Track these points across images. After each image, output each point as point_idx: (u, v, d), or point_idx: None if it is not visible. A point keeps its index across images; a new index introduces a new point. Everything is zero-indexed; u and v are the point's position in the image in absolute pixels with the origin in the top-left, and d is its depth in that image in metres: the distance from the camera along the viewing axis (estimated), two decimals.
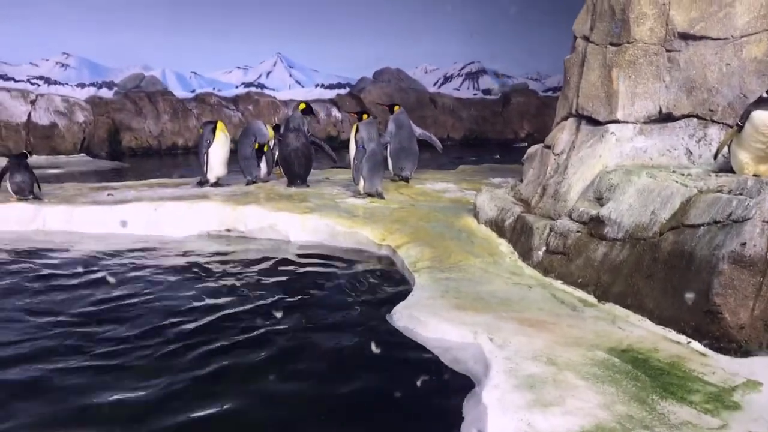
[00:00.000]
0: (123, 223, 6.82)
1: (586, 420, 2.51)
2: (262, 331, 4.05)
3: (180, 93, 24.47)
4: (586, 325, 3.63)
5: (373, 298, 4.69)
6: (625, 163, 4.63)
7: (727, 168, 4.15)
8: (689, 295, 3.32)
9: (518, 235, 5.19)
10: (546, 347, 3.26)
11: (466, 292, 4.25)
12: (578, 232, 4.45)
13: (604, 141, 4.79)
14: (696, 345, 3.28)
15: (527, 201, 5.62)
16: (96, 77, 25.03)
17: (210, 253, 6.12)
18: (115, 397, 3.17)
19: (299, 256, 5.97)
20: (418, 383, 3.22)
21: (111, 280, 5.17)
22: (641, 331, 3.52)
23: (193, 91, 25.51)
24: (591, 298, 4.10)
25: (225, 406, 3.07)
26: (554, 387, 2.80)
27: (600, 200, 4.47)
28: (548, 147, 5.51)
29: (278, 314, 4.35)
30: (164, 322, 4.19)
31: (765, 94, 3.79)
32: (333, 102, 25.35)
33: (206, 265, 5.66)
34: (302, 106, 8.62)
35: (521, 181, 6.13)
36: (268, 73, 32.41)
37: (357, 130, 7.41)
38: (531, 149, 6.22)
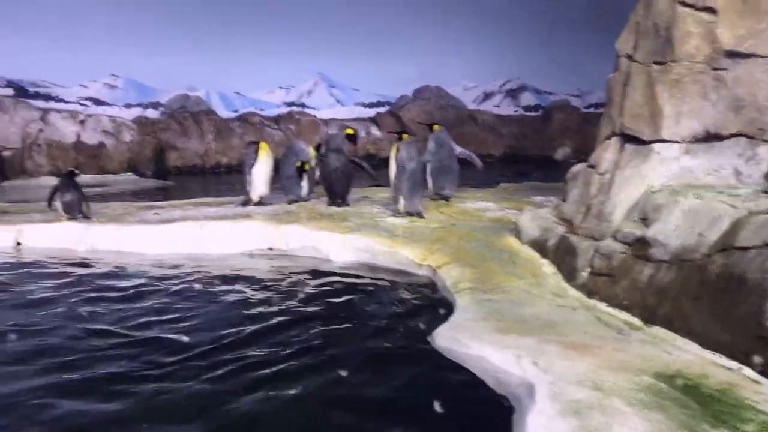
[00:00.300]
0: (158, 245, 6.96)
1: None
2: (303, 350, 4.08)
3: (224, 113, 24.95)
4: (632, 349, 3.56)
5: (414, 319, 4.68)
6: (670, 183, 4.55)
7: None
8: (740, 320, 3.24)
9: (561, 255, 5.13)
10: (591, 371, 3.20)
11: (508, 314, 4.21)
12: (623, 253, 4.38)
13: (649, 160, 4.71)
14: (748, 371, 3.18)
15: (570, 221, 5.55)
16: (143, 98, 25.67)
17: (253, 271, 6.19)
18: (162, 405, 3.26)
19: (340, 275, 6.01)
20: (461, 407, 3.20)
21: (157, 298, 5.29)
22: (689, 355, 3.44)
23: (236, 111, 25.96)
24: (637, 321, 4.02)
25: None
26: (600, 413, 2.74)
27: (645, 221, 4.40)
28: (592, 166, 5.45)
29: (319, 334, 4.39)
30: (207, 339, 4.27)
31: None
32: (372, 120, 25.54)
33: (249, 284, 5.73)
34: (350, 131, 8.73)
35: (564, 200, 6.07)
36: (309, 93, 32.82)
37: (397, 150, 7.44)
38: (574, 168, 6.14)
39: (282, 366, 3.82)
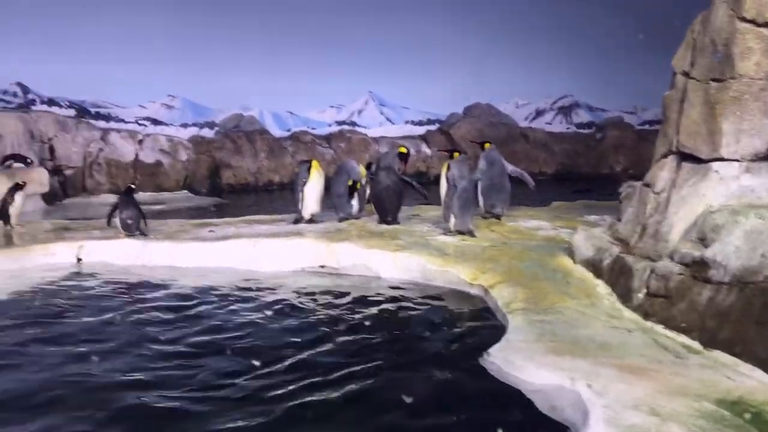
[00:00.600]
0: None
1: None
2: (354, 368, 4.10)
3: (276, 132, 25.40)
4: (691, 374, 3.46)
5: (465, 339, 4.65)
6: (730, 203, 4.42)
7: None
8: None
9: (616, 276, 5.04)
10: (648, 396, 3.13)
11: (562, 335, 4.15)
12: (681, 274, 4.27)
13: (707, 179, 4.60)
14: None
15: (626, 241, 5.44)
16: (198, 118, 26.36)
17: (305, 289, 6.25)
18: (216, 426, 3.29)
19: (391, 293, 6.01)
20: (512, 430, 3.16)
21: (212, 314, 5.40)
22: (752, 381, 3.33)
23: (288, 130, 26.41)
24: (696, 345, 3.91)
25: None
26: None
27: (704, 241, 4.28)
28: (647, 185, 5.34)
29: (369, 352, 4.41)
30: (260, 355, 4.33)
31: None
32: (422, 138, 25.58)
33: (301, 301, 5.79)
34: (402, 150, 8.78)
35: (619, 219, 5.96)
36: (360, 112, 33.15)
37: (448, 168, 7.44)
38: (629, 187, 6.04)
39: (336, 384, 3.85)
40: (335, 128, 27.05)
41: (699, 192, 4.61)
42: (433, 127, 27.38)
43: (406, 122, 30.82)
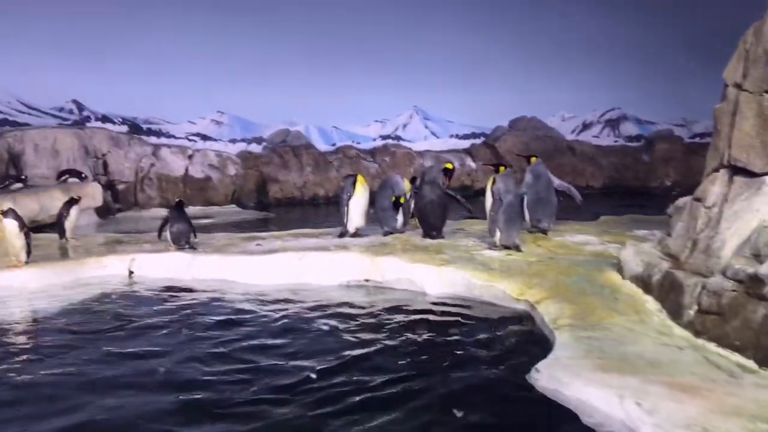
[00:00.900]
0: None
1: None
2: (398, 382, 4.11)
3: (322, 146, 25.66)
4: (746, 393, 3.36)
5: (511, 355, 4.61)
6: None
7: None
8: None
9: (666, 292, 4.93)
10: (700, 415, 3.06)
11: (610, 352, 4.08)
12: (734, 291, 4.16)
13: (761, 194, 4.48)
14: None
15: (676, 256, 5.33)
16: (246, 133, 26.83)
17: (349, 302, 6.29)
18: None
19: (435, 308, 6.00)
20: None
21: (259, 326, 5.48)
22: None
23: (333, 145, 26.66)
24: (750, 364, 3.80)
25: None
26: None
27: (758, 257, 4.17)
28: (698, 199, 5.23)
29: (415, 368, 4.41)
30: (307, 367, 4.39)
31: None
32: (467, 152, 25.49)
33: (346, 315, 5.83)
34: (449, 165, 8.78)
35: (669, 234, 5.84)
36: (405, 126, 33.27)
37: (494, 182, 7.41)
38: (679, 201, 5.91)
39: (384, 398, 3.87)
40: (380, 142, 27.19)
41: (752, 207, 4.50)
42: (478, 141, 27.28)
43: (451, 136, 30.80)
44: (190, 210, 13.48)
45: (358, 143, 26.91)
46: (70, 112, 25.93)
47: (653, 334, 4.43)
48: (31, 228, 8.04)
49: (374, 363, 4.53)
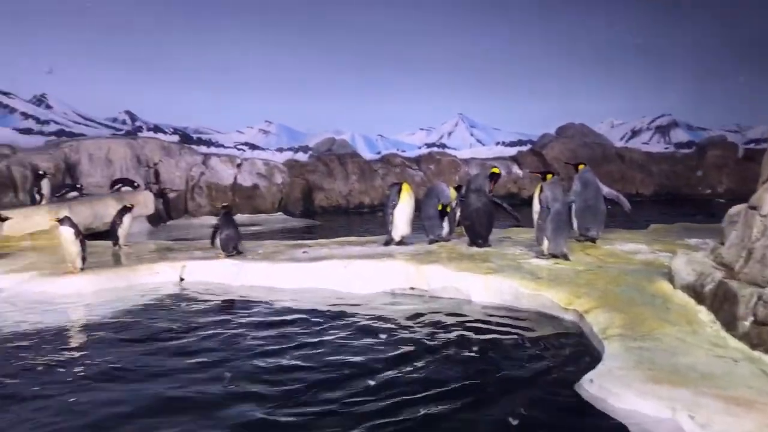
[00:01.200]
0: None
1: None
2: (447, 390, 4.10)
3: (367, 155, 25.83)
4: None
5: (559, 365, 4.55)
6: None
7: None
8: None
9: (720, 302, 4.80)
10: (756, 430, 2.96)
11: (661, 363, 3.99)
12: None
13: None
14: None
15: (730, 266, 5.19)
16: (293, 142, 27.15)
17: (395, 310, 6.30)
18: None
19: (482, 317, 5.96)
20: None
21: (306, 332, 5.53)
22: None
23: (378, 153, 26.79)
24: None
25: None
26: None
27: None
28: (753, 207, 5.08)
29: (462, 376, 4.39)
30: (350, 374, 4.44)
31: None
32: (514, 159, 25.31)
33: (392, 323, 5.84)
34: (495, 170, 8.71)
35: (722, 243, 5.69)
36: (450, 134, 33.18)
37: (541, 190, 7.34)
38: (733, 209, 5.77)
39: (434, 407, 3.87)
40: (425, 150, 27.20)
41: None
42: (524, 148, 27.06)
43: (497, 143, 30.62)
44: (239, 218, 13.71)
45: (403, 151, 26.98)
46: (123, 122, 26.68)
47: (706, 346, 4.31)
48: (85, 235, 8.29)
49: (422, 371, 4.52)
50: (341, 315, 6.17)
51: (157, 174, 19.28)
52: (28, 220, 11.00)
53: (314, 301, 6.70)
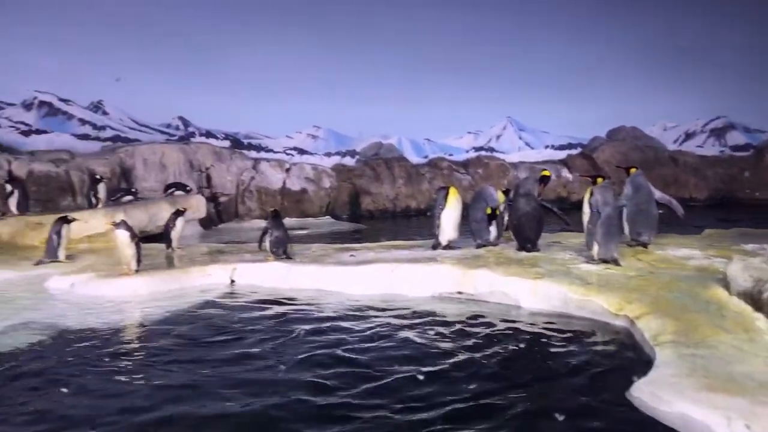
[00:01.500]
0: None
1: None
2: (495, 393, 4.09)
3: (414, 159, 25.83)
4: None
5: (609, 371, 4.49)
6: None
7: None
8: None
9: None
10: None
11: (716, 371, 3.90)
12: None
13: None
14: None
15: None
16: (340, 146, 27.40)
17: (442, 314, 6.30)
18: None
19: (530, 322, 5.92)
20: None
21: (354, 336, 5.58)
22: None
23: (426, 157, 26.77)
24: None
25: None
26: None
27: None
28: None
29: (510, 380, 4.37)
30: (396, 375, 4.46)
31: None
32: (563, 163, 24.98)
33: (439, 326, 5.84)
34: (546, 173, 8.62)
35: None
36: (498, 137, 32.97)
37: (591, 194, 7.24)
38: None
39: (479, 409, 3.88)
40: (473, 154, 27.05)
41: None
42: (574, 152, 26.66)
43: (546, 147, 30.27)
44: (287, 221, 13.88)
45: (451, 155, 26.88)
46: (177, 128, 27.33)
47: (764, 354, 4.19)
48: (140, 238, 8.52)
49: (468, 373, 4.52)
50: (388, 318, 6.19)
51: (209, 178, 19.68)
52: (86, 224, 11.34)
53: (361, 304, 6.75)
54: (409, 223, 19.89)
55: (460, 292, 6.95)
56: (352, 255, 8.71)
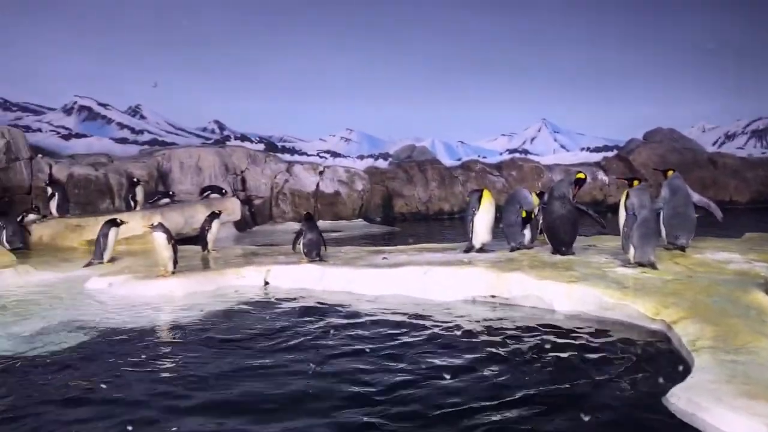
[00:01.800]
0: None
1: None
2: (527, 398, 4.06)
3: (447, 161, 25.73)
4: None
5: (645, 376, 4.41)
6: None
7: None
8: None
9: None
10: None
11: (757, 377, 3.81)
12: None
13: None
14: None
15: None
16: (373, 149, 27.42)
17: (475, 318, 6.27)
18: None
19: (564, 326, 5.86)
20: None
21: (386, 339, 5.59)
22: None
23: (459, 159, 26.65)
24: None
25: None
26: None
27: None
28: None
29: (544, 384, 4.33)
30: (425, 381, 4.45)
31: None
32: (599, 165, 24.67)
33: (472, 330, 5.82)
34: (581, 175, 8.49)
35: None
36: (533, 139, 32.68)
37: (627, 196, 7.14)
38: None
39: (508, 413, 3.85)
40: (506, 156, 26.86)
41: None
42: (610, 154, 26.28)
43: (582, 149, 29.85)
44: (321, 224, 13.97)
45: (484, 157, 26.72)
46: (212, 131, 27.67)
47: None
48: (176, 240, 8.65)
49: (502, 378, 4.49)
50: (420, 321, 6.19)
51: (243, 181, 19.89)
52: (124, 226, 11.55)
53: (393, 307, 6.76)
54: (442, 226, 19.83)
55: (493, 296, 6.90)
56: (384, 257, 8.72)
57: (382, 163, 24.48)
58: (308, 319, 6.44)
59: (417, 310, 6.63)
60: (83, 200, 15.55)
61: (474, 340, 5.51)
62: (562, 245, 8.18)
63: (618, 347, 5.15)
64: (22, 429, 3.83)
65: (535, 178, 23.39)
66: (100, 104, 26.25)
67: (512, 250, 8.71)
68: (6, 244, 10.82)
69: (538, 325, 5.91)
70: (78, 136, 21.81)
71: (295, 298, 7.41)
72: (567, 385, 4.34)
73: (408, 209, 22.44)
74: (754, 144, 30.31)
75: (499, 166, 24.53)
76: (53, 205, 13.17)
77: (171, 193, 15.69)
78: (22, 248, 11.22)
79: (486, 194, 8.85)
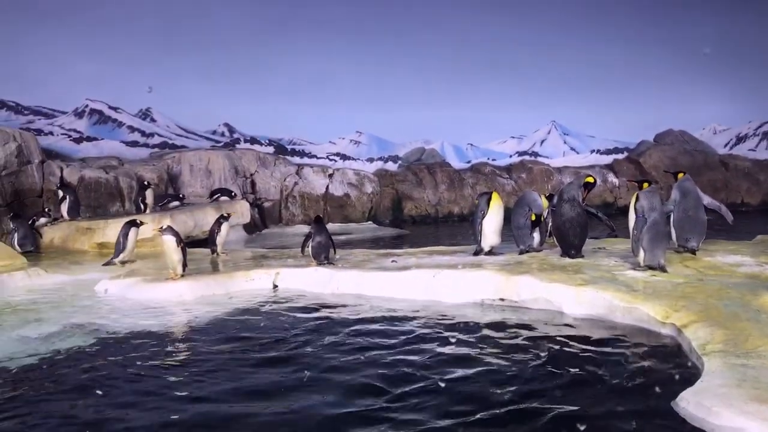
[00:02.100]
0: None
1: None
2: (534, 401, 4.04)
3: (456, 164, 25.72)
4: None
5: (654, 380, 4.38)
6: None
7: None
8: None
9: None
10: None
11: (767, 382, 3.77)
12: None
13: None
14: None
15: None
16: (383, 152, 27.35)
17: (484, 321, 6.25)
18: None
19: (574, 329, 5.83)
20: None
21: (396, 342, 5.58)
22: None
23: (468, 162, 26.61)
24: None
25: None
26: None
27: None
28: None
29: (552, 387, 4.31)
30: (434, 384, 4.42)
31: None
32: (609, 167, 24.60)
33: (480, 333, 5.81)
34: (590, 179, 8.46)
35: None
36: (542, 141, 32.53)
37: (637, 199, 7.10)
38: None
39: (516, 417, 3.83)
40: (516, 159, 26.80)
41: None
42: (620, 156, 26.19)
43: (592, 151, 29.70)
44: (330, 227, 14.01)
45: (494, 160, 26.68)
46: (222, 134, 27.71)
47: None
48: (186, 243, 8.68)
49: (510, 381, 4.47)
50: (429, 324, 6.18)
51: (253, 184, 19.96)
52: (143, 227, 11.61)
53: (402, 310, 6.75)
54: (451, 228, 19.81)
55: (502, 299, 6.88)
56: (393, 260, 8.72)
57: (391, 166, 24.51)
58: (317, 322, 6.44)
59: (426, 313, 6.62)
60: (94, 203, 15.65)
61: (482, 343, 5.49)
62: (571, 248, 8.16)
63: (627, 351, 5.12)
64: (32, 431, 3.85)
65: (544, 180, 23.36)
66: (110, 107, 26.35)
67: (521, 253, 8.70)
68: (17, 247, 10.91)
69: (547, 327, 5.90)
70: (89, 139, 21.94)
71: (303, 301, 7.42)
72: (575, 388, 4.32)
73: (417, 212, 22.44)
74: (765, 146, 30.07)
75: (509, 168, 24.50)
76: (64, 208, 13.27)
77: (181, 195, 15.75)
78: (34, 251, 11.33)
79: (495, 197, 8.84)
